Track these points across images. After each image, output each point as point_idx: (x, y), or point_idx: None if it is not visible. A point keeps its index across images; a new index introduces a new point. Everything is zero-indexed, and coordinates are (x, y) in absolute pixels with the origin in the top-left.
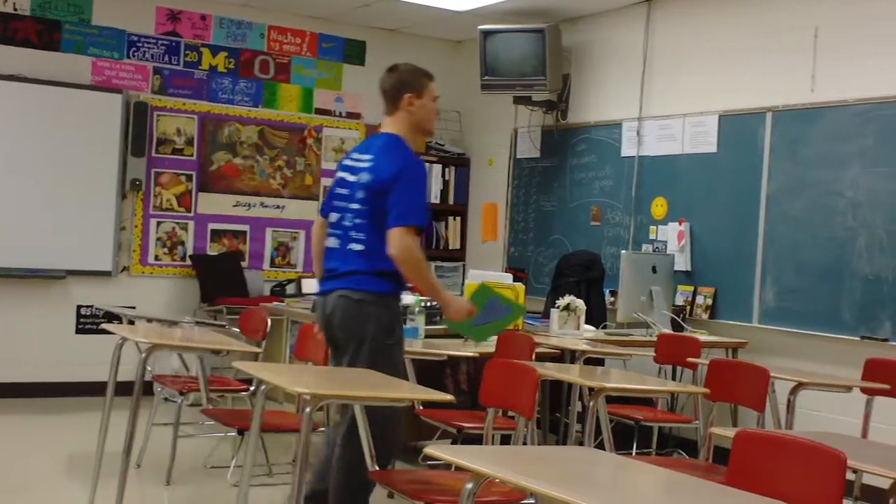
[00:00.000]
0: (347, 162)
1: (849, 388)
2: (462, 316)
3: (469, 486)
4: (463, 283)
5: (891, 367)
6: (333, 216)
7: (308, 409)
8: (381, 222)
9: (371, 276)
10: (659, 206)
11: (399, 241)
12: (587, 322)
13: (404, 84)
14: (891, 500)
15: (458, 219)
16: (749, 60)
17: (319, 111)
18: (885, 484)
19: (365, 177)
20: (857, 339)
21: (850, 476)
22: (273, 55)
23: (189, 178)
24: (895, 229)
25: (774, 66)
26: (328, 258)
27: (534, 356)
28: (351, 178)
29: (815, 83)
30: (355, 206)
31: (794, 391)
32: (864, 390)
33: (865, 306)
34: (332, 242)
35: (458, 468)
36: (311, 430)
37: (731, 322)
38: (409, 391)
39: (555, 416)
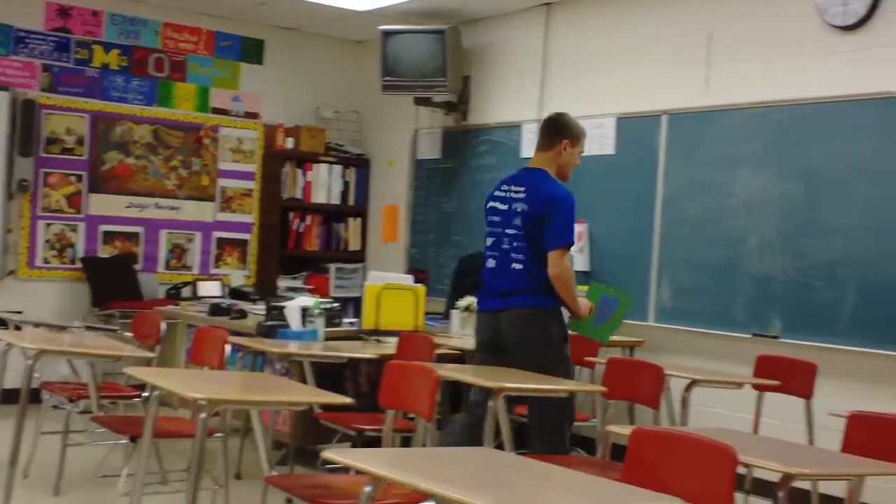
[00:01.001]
0: (498, 193)
1: (740, 385)
2: (586, 311)
3: (367, 489)
4: (363, 285)
5: (780, 364)
6: (489, 240)
7: (203, 415)
8: (536, 245)
9: (534, 294)
10: None
11: (558, 262)
12: None
13: (566, 130)
14: (780, 493)
15: (359, 220)
16: (646, 64)
17: (216, 111)
18: (775, 477)
19: (520, 206)
20: (749, 336)
21: (742, 470)
22: (168, 53)
23: (79, 178)
24: (785, 230)
25: (670, 70)
26: (486, 277)
27: (434, 357)
28: (502, 206)
29: (709, 86)
30: (511, 231)
31: (688, 388)
32: (755, 386)
33: (756, 305)
34: (490, 263)
35: (358, 471)
36: (207, 436)
37: (629, 321)
38: (307, 394)
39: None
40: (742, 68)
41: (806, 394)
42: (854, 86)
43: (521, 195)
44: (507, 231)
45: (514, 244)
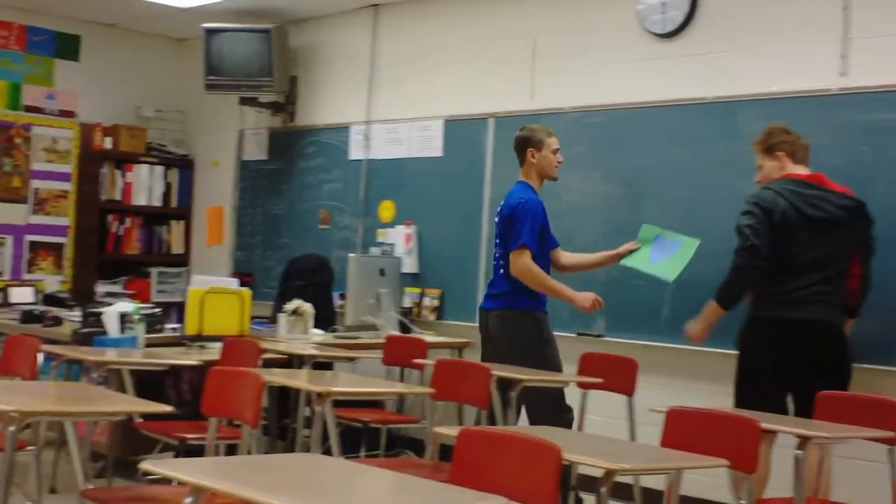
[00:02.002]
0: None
1: (566, 383)
2: (588, 303)
3: (188, 500)
4: (186, 289)
5: (604, 362)
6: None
7: (12, 428)
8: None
9: (512, 296)
10: (387, 210)
11: (514, 262)
12: (316, 326)
13: (526, 141)
14: (602, 489)
15: (182, 222)
16: (472, 68)
17: (29, 108)
18: (599, 473)
19: (497, 217)
20: (574, 335)
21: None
22: None
23: None
24: (608, 231)
25: (496, 74)
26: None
27: (261, 362)
28: (496, 219)
29: (535, 91)
30: (497, 239)
31: (514, 388)
32: (579, 384)
33: None
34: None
35: (180, 482)
36: (17, 450)
37: (458, 322)
38: (125, 404)
39: (284, 422)
40: (566, 73)
41: (628, 390)
42: (672, 91)
43: (500, 207)
44: (496, 240)
45: (498, 251)
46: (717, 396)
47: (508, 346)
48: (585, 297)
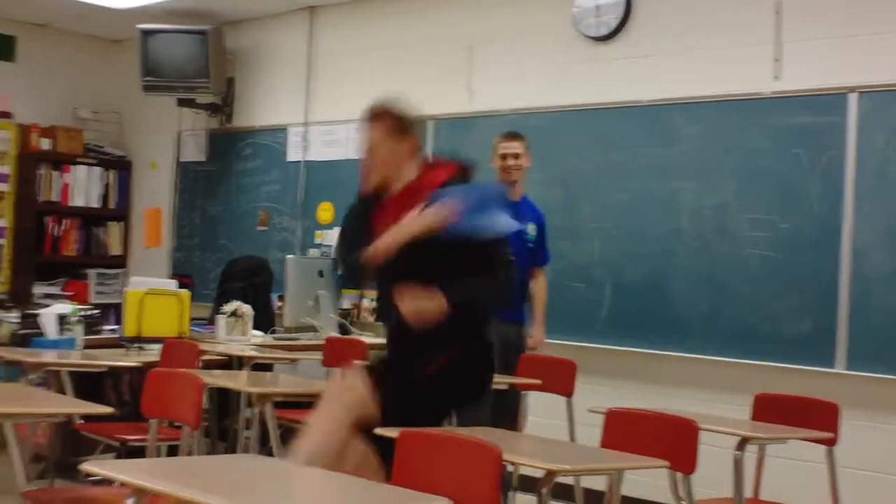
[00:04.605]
0: None
1: (509, 385)
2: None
3: (129, 501)
4: (124, 291)
5: (542, 363)
6: None
7: None
8: None
9: None
10: (325, 211)
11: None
12: (255, 327)
13: None
14: (543, 490)
15: (120, 224)
16: (411, 70)
17: None
18: (540, 474)
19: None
20: None
21: (511, 468)
22: None
23: None
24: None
25: (435, 77)
26: None
27: (200, 364)
28: None
29: (472, 93)
30: None
31: None
32: (518, 386)
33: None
34: None
35: (123, 483)
36: None
37: None
38: (64, 405)
39: (224, 423)
40: (503, 75)
41: (567, 392)
42: (607, 94)
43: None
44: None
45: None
46: (656, 397)
47: None
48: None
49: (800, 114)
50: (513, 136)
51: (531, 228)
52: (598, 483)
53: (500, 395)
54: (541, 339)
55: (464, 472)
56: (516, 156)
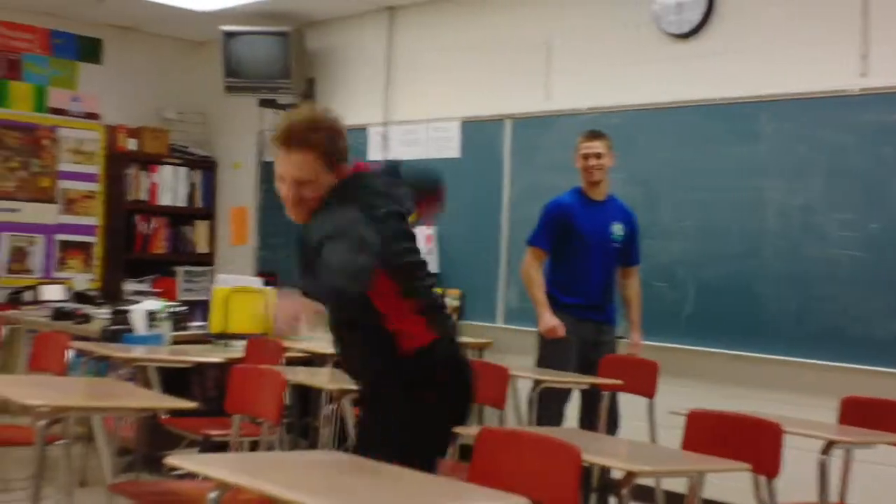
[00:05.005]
0: None
1: (588, 385)
2: (544, 329)
3: (212, 495)
4: (211, 288)
5: (624, 364)
6: None
7: (42, 423)
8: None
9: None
10: None
11: (525, 259)
12: None
13: None
14: (623, 491)
15: (207, 222)
16: (488, 69)
17: (54, 111)
18: (620, 475)
19: None
20: None
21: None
22: (1, 52)
23: None
24: None
25: (512, 75)
26: None
27: (283, 361)
28: None
29: (550, 92)
30: None
31: (535, 389)
32: (600, 386)
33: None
34: None
35: (205, 477)
36: (48, 444)
37: (478, 323)
38: (151, 400)
39: (306, 420)
40: (581, 74)
41: (648, 392)
42: (688, 92)
43: None
44: None
45: None
46: (739, 399)
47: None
48: (547, 323)
49: (887, 111)
50: (595, 135)
51: (617, 228)
52: (679, 485)
53: (590, 396)
54: (638, 343)
55: (542, 472)
56: (598, 155)
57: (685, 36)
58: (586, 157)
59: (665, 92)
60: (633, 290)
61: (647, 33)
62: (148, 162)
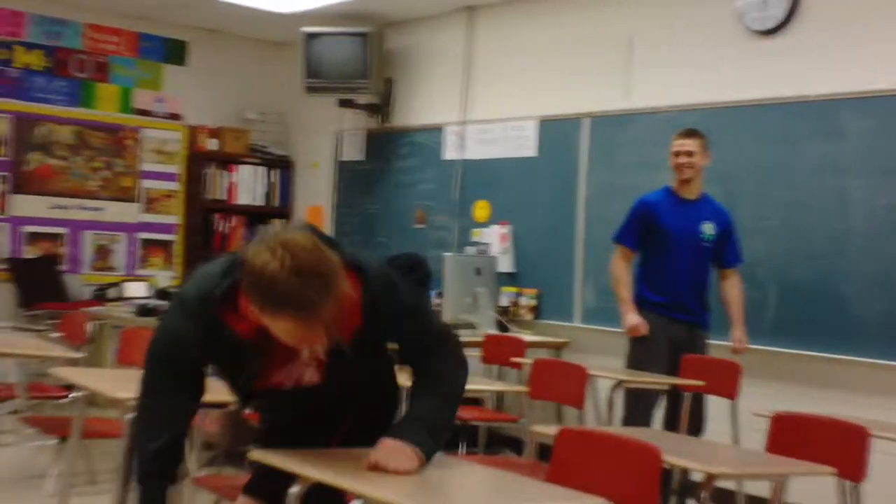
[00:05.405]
0: None
1: (670, 386)
2: (627, 328)
3: (294, 489)
4: None
5: (706, 365)
6: None
7: (130, 416)
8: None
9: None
10: (481, 209)
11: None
12: None
13: None
14: (703, 493)
15: (284, 221)
16: (566, 68)
17: (139, 111)
18: (700, 477)
19: None
20: None
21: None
22: (90, 54)
23: (2, 179)
24: None
25: (590, 74)
26: None
27: None
28: None
29: (629, 90)
30: None
31: (614, 389)
32: (681, 387)
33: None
34: None
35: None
36: None
37: (555, 322)
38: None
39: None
40: (662, 72)
41: (731, 394)
42: (772, 89)
43: None
44: None
45: None
46: (824, 402)
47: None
48: (629, 321)
49: None
50: (688, 133)
51: (708, 227)
52: (762, 489)
53: (675, 397)
54: (742, 340)
55: (621, 472)
56: (689, 153)
57: (769, 32)
58: (677, 154)
59: (747, 89)
60: (732, 291)
61: (730, 30)
62: (227, 161)
